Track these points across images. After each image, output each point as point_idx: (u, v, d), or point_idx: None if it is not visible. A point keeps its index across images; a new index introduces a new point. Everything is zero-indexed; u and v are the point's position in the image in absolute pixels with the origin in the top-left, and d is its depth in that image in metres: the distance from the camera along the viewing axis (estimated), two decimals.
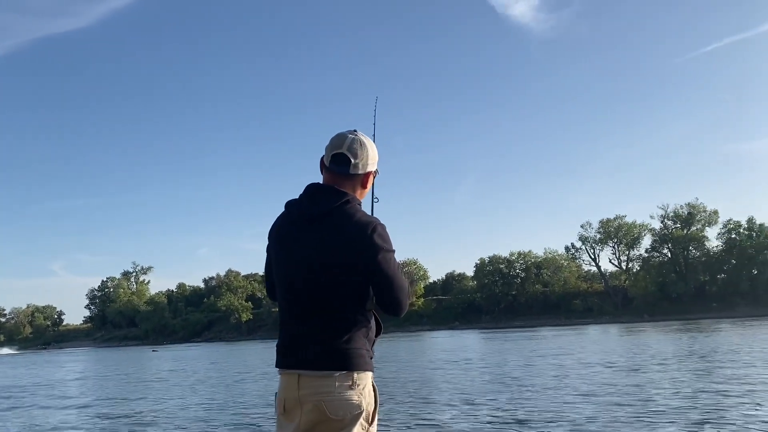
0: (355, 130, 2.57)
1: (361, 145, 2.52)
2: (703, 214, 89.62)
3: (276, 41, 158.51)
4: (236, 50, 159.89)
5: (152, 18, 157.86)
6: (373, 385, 2.42)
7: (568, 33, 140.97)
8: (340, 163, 2.51)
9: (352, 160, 2.50)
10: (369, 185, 2.62)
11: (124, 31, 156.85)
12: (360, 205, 2.52)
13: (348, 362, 2.35)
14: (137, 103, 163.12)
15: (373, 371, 2.44)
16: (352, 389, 2.34)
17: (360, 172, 2.53)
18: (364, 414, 2.35)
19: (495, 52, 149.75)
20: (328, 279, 2.38)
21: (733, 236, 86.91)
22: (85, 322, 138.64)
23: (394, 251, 2.43)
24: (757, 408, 9.05)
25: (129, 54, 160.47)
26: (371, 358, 2.45)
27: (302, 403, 2.35)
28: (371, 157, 2.56)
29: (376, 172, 2.64)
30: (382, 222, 2.45)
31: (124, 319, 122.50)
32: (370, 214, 2.56)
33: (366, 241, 2.36)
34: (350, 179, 2.52)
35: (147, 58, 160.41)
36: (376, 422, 2.43)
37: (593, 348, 26.65)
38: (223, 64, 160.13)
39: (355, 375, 2.35)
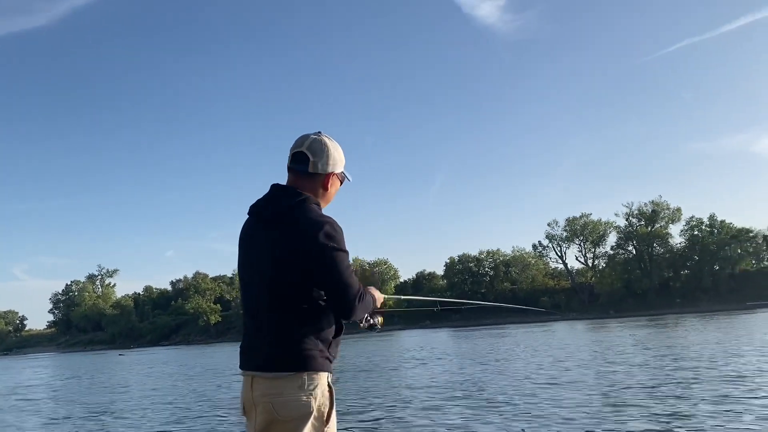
0: (319, 132, 2.55)
1: (322, 144, 2.50)
2: (666, 211, 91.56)
3: (239, 43, 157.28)
4: (202, 51, 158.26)
5: (114, 16, 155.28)
6: (328, 385, 2.40)
7: (534, 34, 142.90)
8: (299, 162, 2.51)
9: (311, 158, 2.48)
10: (332, 188, 2.57)
11: (86, 29, 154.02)
12: (318, 206, 2.47)
13: (297, 364, 2.33)
14: (100, 105, 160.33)
15: (329, 372, 2.41)
16: (301, 390, 2.31)
17: (320, 171, 2.50)
18: (315, 414, 2.33)
19: (462, 53, 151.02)
20: (279, 279, 2.36)
21: (696, 233, 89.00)
22: (48, 327, 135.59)
23: (344, 251, 2.37)
24: (721, 399, 9.26)
25: (91, 53, 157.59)
26: (329, 359, 2.42)
27: (256, 405, 2.36)
28: (332, 158, 2.52)
29: (342, 176, 2.60)
30: (331, 219, 2.40)
31: (89, 323, 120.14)
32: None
33: (314, 239, 2.32)
34: (310, 179, 2.50)
35: (110, 57, 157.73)
36: (333, 423, 2.41)
37: (559, 344, 27.01)
38: (189, 64, 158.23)
39: (306, 376, 2.33)
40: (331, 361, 2.43)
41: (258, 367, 2.38)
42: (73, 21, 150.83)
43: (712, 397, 9.55)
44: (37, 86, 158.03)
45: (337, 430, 2.51)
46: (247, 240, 2.52)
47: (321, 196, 2.54)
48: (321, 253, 2.32)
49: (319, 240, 2.32)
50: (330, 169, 2.53)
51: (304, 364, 2.34)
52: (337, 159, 2.55)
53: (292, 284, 2.35)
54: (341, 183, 2.62)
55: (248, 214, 2.55)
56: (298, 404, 2.31)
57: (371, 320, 2.80)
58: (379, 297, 2.68)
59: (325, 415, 2.36)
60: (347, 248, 2.40)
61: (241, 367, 2.48)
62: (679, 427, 7.64)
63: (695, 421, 7.94)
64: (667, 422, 7.93)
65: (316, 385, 2.35)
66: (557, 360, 18.56)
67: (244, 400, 2.44)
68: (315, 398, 2.33)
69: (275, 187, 2.52)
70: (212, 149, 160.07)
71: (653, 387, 11.18)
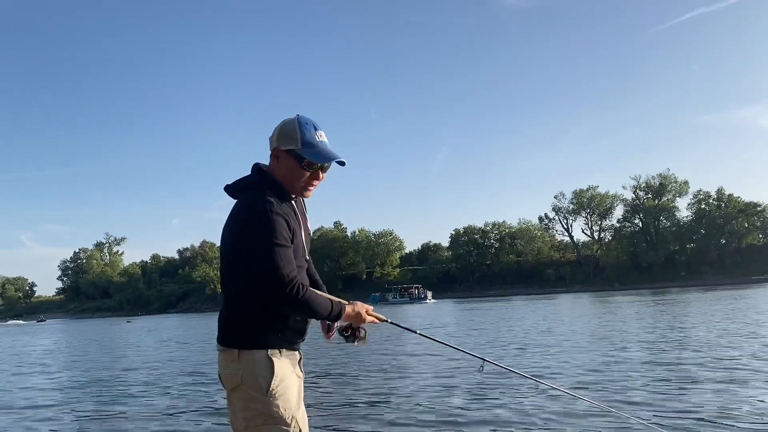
0: (297, 115, 2.57)
1: (281, 122, 2.55)
2: (674, 184, 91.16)
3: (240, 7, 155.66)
4: (205, 15, 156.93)
5: None
6: (268, 358, 2.42)
7: (544, 2, 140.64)
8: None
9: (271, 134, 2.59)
10: (281, 165, 2.50)
11: None
12: (276, 187, 2.46)
13: (233, 340, 2.46)
14: (109, 75, 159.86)
15: (268, 347, 2.44)
16: (234, 364, 2.42)
17: (272, 146, 2.54)
18: (250, 386, 2.40)
19: (470, 19, 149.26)
20: (228, 258, 2.50)
21: (703, 206, 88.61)
22: (57, 293, 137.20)
23: (270, 241, 2.32)
24: (722, 372, 9.29)
25: (93, 19, 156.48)
26: (275, 336, 2.45)
27: (219, 374, 2.57)
28: (278, 132, 2.52)
29: (298, 156, 2.47)
30: (267, 206, 2.35)
31: (97, 290, 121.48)
32: (264, 198, 2.41)
33: (240, 222, 2.42)
34: (270, 156, 2.57)
35: (112, 22, 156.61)
36: (281, 393, 2.42)
37: (564, 316, 27.12)
38: (196, 26, 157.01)
39: (237, 352, 2.43)
40: (280, 338, 2.47)
41: (217, 339, 2.56)
42: None
43: None
44: (41, 53, 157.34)
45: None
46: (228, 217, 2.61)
47: (279, 175, 2.52)
48: (247, 239, 2.37)
49: (245, 226, 2.38)
50: (275, 144, 2.53)
51: (238, 341, 2.45)
52: (283, 134, 2.50)
53: (238, 263, 2.43)
54: (303, 165, 2.48)
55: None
56: (232, 377, 2.44)
57: (346, 333, 2.67)
58: (356, 311, 2.61)
59: (265, 387, 2.39)
60: (279, 237, 2.34)
61: None
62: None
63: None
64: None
65: (250, 360, 2.42)
66: (567, 332, 18.61)
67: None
68: (247, 371, 2.40)
69: (252, 167, 2.60)
70: (218, 118, 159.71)
71: (659, 361, 11.23)
